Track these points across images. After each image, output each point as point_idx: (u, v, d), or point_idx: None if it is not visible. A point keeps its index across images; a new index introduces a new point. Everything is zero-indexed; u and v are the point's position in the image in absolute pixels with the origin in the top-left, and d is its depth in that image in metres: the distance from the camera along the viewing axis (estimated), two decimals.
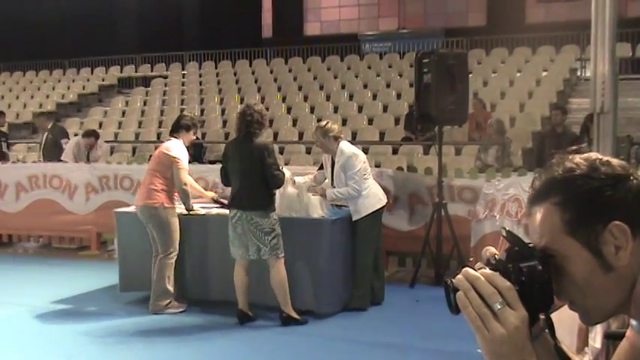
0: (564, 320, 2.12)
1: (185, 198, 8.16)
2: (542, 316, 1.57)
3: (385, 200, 8.26)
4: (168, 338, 7.36)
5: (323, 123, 8.30)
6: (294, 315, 7.61)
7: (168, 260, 7.97)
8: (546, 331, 1.60)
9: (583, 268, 1.53)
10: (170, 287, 8.01)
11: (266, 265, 7.54)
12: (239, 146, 7.67)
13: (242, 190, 7.57)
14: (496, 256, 1.55)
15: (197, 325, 7.71)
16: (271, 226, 7.45)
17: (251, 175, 7.49)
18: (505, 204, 8.46)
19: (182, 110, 18.62)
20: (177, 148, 8.08)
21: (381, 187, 8.50)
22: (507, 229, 1.62)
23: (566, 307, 1.63)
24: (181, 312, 8.07)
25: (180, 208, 8.19)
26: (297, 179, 8.09)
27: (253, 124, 7.52)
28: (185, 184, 8.06)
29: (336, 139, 8.04)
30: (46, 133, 13.94)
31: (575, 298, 1.58)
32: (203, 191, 8.54)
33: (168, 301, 8.06)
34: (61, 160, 12.84)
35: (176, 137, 8.18)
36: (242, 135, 7.60)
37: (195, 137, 8.65)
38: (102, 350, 7.11)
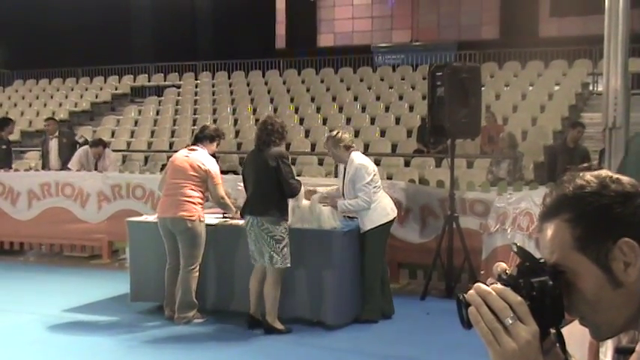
0: (575, 335, 2.13)
1: (225, 209, 8.30)
2: (553, 331, 1.58)
3: (394, 214, 8.19)
4: (180, 348, 7.37)
5: (334, 133, 8.30)
6: (277, 326, 7.66)
7: (193, 274, 7.99)
8: (557, 345, 1.61)
9: (593, 284, 1.55)
10: (195, 299, 8.05)
11: (274, 271, 7.61)
12: (256, 154, 7.79)
13: (255, 197, 7.66)
14: (507, 272, 1.57)
15: (210, 335, 7.73)
16: (281, 234, 7.49)
17: (264, 183, 7.57)
18: (516, 217, 8.46)
19: (195, 120, 18.71)
20: (210, 160, 8.12)
21: (392, 199, 8.47)
22: (518, 244, 1.64)
23: (577, 322, 1.64)
24: (203, 322, 8.11)
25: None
26: (320, 189, 8.23)
27: (274, 133, 7.61)
28: (223, 198, 8.11)
29: (348, 148, 8.05)
30: (55, 140, 13.77)
31: (586, 313, 1.60)
32: (231, 205, 8.44)
33: (194, 311, 8.09)
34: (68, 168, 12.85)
35: (200, 147, 8.21)
36: (260, 143, 7.69)
37: (217, 149, 8.66)
38: (113, 359, 7.14)
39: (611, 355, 1.77)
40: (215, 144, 8.36)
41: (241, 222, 7.89)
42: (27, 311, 8.68)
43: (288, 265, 7.56)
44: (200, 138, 8.31)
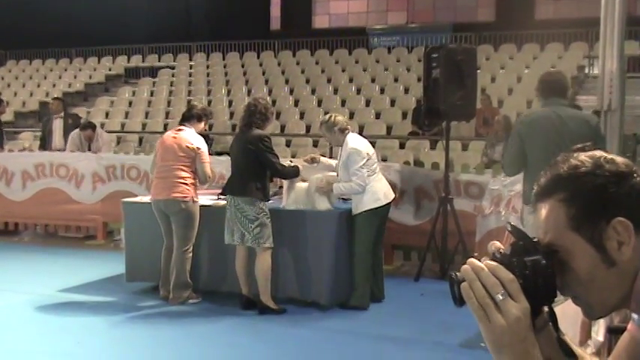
0: (568, 313, 2.15)
1: (205, 184, 8.42)
2: (545, 309, 1.60)
3: (386, 200, 7.97)
4: (175, 328, 7.38)
5: (327, 117, 8.14)
6: (272, 305, 7.71)
7: (187, 254, 8.02)
8: (550, 323, 1.62)
9: (587, 263, 1.56)
10: (189, 279, 8.08)
11: (261, 252, 7.67)
12: (239, 136, 7.89)
13: (234, 178, 7.80)
14: (501, 250, 1.58)
15: (204, 315, 7.75)
16: (256, 215, 7.52)
17: (243, 163, 7.66)
18: (511, 200, 8.47)
19: (189, 101, 18.66)
20: (197, 139, 8.09)
21: (387, 181, 8.31)
22: (513, 223, 1.65)
23: (570, 301, 1.66)
24: (198, 302, 8.14)
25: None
26: (323, 159, 8.37)
27: (256, 114, 7.65)
28: (209, 177, 8.14)
29: (343, 131, 7.90)
30: (60, 120, 13.61)
31: (579, 292, 1.61)
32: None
33: (189, 292, 8.12)
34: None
35: (187, 127, 8.20)
36: (243, 125, 7.77)
37: (205, 128, 8.65)
38: (109, 338, 7.15)
39: (603, 334, 1.79)
40: (203, 123, 8.34)
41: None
42: (22, 291, 8.69)
43: (266, 245, 7.58)
44: (187, 117, 8.28)
